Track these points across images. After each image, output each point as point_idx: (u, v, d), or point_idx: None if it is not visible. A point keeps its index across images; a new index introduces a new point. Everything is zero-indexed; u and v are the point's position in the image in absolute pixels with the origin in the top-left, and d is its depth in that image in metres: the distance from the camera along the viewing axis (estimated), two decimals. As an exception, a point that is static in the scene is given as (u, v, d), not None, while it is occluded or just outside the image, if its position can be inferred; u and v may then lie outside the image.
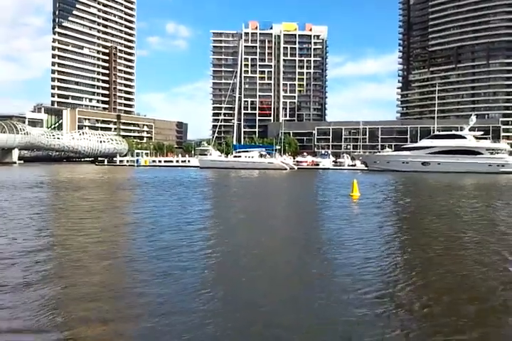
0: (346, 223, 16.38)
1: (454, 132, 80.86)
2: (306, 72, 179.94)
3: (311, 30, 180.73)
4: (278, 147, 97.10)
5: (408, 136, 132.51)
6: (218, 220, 17.93)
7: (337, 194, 29.91)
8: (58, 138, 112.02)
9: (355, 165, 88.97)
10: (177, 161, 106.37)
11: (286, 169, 79.48)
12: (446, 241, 13.07)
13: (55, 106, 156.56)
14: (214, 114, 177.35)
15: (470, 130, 78.90)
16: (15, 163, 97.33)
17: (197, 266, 9.93)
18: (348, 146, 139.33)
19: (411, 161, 77.23)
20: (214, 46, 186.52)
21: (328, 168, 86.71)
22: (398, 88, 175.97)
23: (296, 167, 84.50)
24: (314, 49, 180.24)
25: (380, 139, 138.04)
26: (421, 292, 8.30)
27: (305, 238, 13.66)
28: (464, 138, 76.72)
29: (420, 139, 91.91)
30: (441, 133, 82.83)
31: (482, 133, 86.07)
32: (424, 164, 76.58)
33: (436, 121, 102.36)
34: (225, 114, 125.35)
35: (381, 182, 45.99)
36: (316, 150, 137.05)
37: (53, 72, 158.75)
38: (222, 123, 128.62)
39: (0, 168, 75.45)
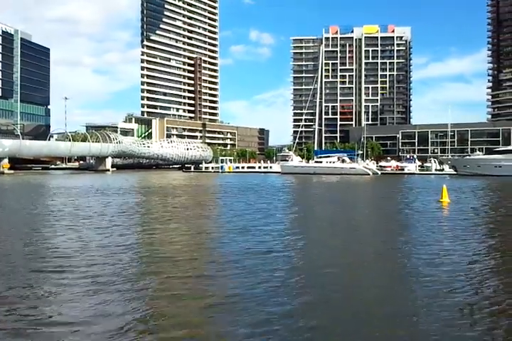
0: (439, 230, 16.21)
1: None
2: (389, 75, 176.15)
3: (393, 31, 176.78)
4: (360, 152, 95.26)
5: (500, 139, 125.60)
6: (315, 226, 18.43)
7: (425, 200, 29.26)
8: (148, 147, 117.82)
9: (443, 170, 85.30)
10: (259, 167, 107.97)
11: (368, 174, 78.06)
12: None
13: (145, 116, 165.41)
14: (295, 120, 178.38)
15: None
16: (108, 170, 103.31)
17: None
18: (435, 150, 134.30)
19: (504, 165, 72.50)
20: (294, 53, 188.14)
21: (414, 173, 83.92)
22: (488, 88, 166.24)
23: (379, 172, 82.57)
24: (397, 51, 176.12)
25: (469, 142, 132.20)
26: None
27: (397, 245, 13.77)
28: None
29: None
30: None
31: None
32: (518, 168, 71.79)
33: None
34: (305, 120, 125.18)
35: (472, 187, 44.08)
36: (400, 154, 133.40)
37: (142, 83, 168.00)
38: (303, 129, 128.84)
39: (95, 175, 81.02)
